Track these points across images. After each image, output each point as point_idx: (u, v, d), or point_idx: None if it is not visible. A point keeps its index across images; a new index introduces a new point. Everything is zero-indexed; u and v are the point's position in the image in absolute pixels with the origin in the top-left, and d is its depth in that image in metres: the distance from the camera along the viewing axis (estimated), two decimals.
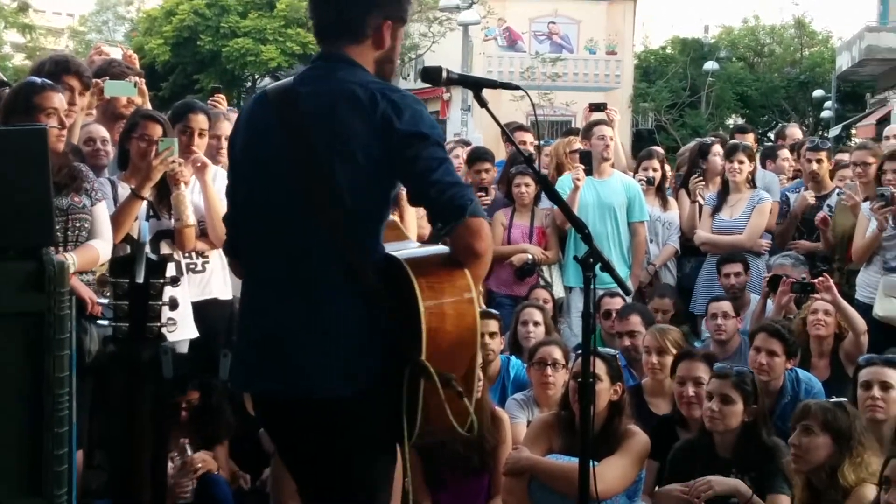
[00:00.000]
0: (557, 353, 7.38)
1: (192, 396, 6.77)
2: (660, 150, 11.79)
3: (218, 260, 7.51)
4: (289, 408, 4.04)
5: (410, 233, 7.98)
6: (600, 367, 6.43)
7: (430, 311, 3.86)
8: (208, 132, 7.68)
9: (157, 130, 7.02)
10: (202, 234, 7.34)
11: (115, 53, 8.75)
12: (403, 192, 8.46)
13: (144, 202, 6.97)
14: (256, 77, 46.82)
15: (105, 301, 4.27)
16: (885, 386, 6.34)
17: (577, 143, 10.62)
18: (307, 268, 4.02)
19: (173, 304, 4.24)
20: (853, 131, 40.94)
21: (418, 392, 3.85)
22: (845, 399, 6.11)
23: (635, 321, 8.30)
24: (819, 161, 10.40)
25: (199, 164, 7.29)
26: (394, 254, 4.04)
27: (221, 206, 7.24)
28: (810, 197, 10.22)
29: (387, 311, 3.94)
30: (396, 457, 4.14)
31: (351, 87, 4.00)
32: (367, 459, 4.06)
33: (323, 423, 4.00)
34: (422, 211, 9.14)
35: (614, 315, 8.68)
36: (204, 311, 7.25)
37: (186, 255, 7.32)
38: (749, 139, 11.70)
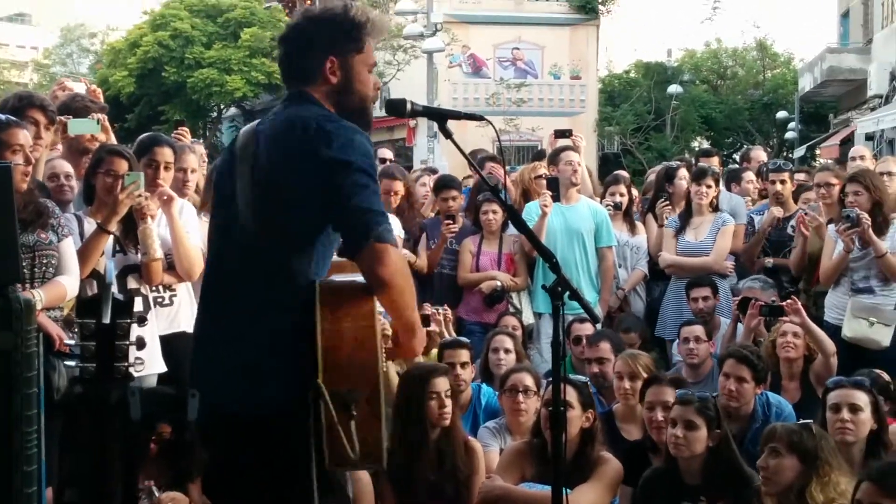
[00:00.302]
0: (528, 380, 7.37)
1: (164, 430, 6.71)
2: (626, 174, 11.82)
3: (185, 293, 7.52)
4: (252, 426, 4.10)
5: None
6: (572, 395, 6.43)
7: (325, 333, 3.92)
8: (174, 165, 7.66)
9: (123, 165, 6.99)
10: (169, 267, 7.31)
11: (79, 88, 8.73)
12: None
13: (111, 237, 6.94)
14: (222, 107, 46.78)
15: (72, 342, 4.24)
16: (854, 408, 6.35)
17: (542, 169, 10.65)
18: (274, 290, 4.16)
19: (140, 344, 4.21)
20: (817, 152, 41.13)
21: (320, 416, 3.91)
22: (811, 420, 6.14)
23: (605, 348, 8.27)
24: (783, 182, 10.46)
25: (165, 198, 7.27)
26: (317, 280, 4.13)
27: (188, 238, 7.25)
28: (777, 211, 10.25)
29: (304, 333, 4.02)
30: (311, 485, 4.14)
31: (293, 120, 4.22)
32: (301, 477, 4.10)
33: (276, 440, 4.08)
34: None
35: (584, 341, 8.67)
36: (172, 344, 7.20)
37: (154, 288, 7.30)
38: (714, 162, 11.76)
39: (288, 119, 4.25)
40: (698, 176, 10.35)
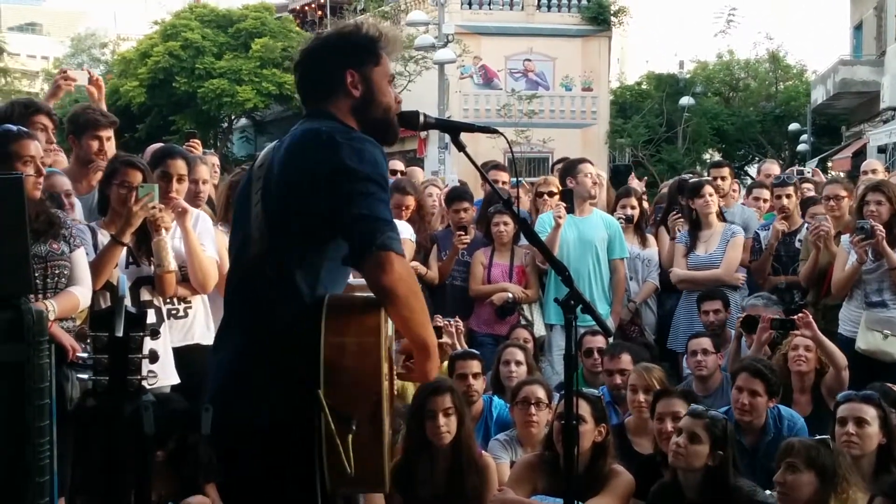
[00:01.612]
0: (541, 392, 7.36)
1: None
2: (638, 187, 11.81)
3: (201, 305, 7.50)
4: (251, 438, 4.08)
5: None
6: (584, 409, 6.42)
7: (329, 345, 3.85)
8: (187, 177, 7.66)
9: (137, 177, 6.97)
10: (183, 279, 7.29)
11: (82, 77, 8.68)
12: None
13: (125, 248, 6.94)
14: (233, 118, 46.81)
15: (85, 355, 4.24)
16: (860, 422, 6.35)
17: (553, 186, 10.62)
18: (277, 304, 4.14)
19: (153, 357, 4.20)
20: (829, 164, 41.04)
21: (321, 429, 3.84)
22: (828, 436, 6.12)
23: (626, 360, 8.24)
24: (788, 196, 10.42)
25: (179, 210, 7.26)
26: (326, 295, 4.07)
27: (202, 251, 7.24)
28: (780, 225, 10.20)
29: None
30: None
31: (307, 132, 4.21)
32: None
33: (274, 454, 4.06)
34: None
35: (596, 353, 8.67)
36: (186, 356, 7.19)
37: (168, 300, 7.29)
38: (725, 173, 11.72)
39: (303, 132, 4.22)
40: (696, 190, 10.36)
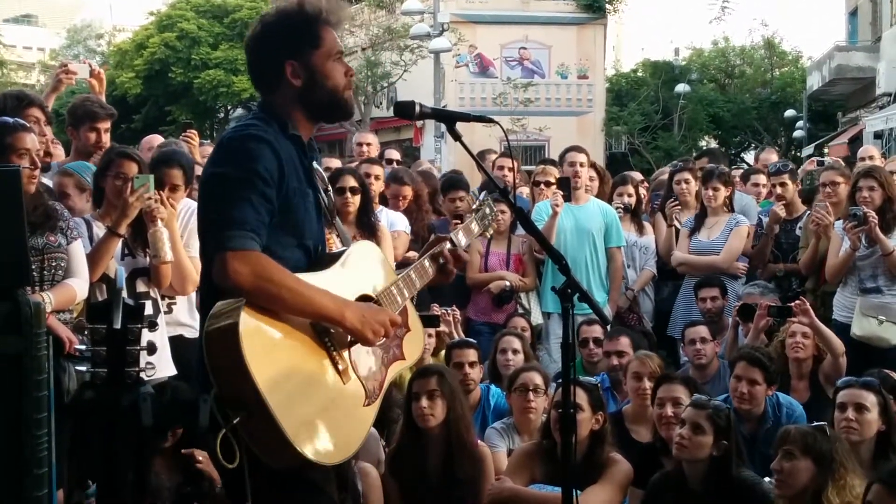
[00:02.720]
0: (538, 379, 7.36)
1: (177, 430, 6.69)
2: (636, 175, 11.78)
3: (185, 301, 7.53)
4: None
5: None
6: (581, 397, 6.41)
7: (206, 342, 3.93)
8: (182, 186, 7.63)
9: (133, 168, 6.96)
10: None
11: (83, 70, 8.66)
12: (381, 223, 8.51)
13: (120, 240, 6.92)
14: (229, 108, 46.75)
15: (83, 347, 4.25)
16: (860, 408, 6.35)
17: (550, 175, 10.59)
18: (202, 304, 4.40)
19: (151, 349, 4.22)
20: (826, 150, 41.03)
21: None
22: (825, 423, 6.12)
23: (624, 342, 8.34)
24: (783, 185, 10.41)
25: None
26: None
27: (184, 253, 7.24)
28: (780, 209, 10.18)
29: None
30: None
31: None
32: None
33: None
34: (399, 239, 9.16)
35: (592, 343, 8.69)
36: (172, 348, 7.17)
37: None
38: (703, 164, 11.75)
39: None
40: (704, 179, 10.37)
